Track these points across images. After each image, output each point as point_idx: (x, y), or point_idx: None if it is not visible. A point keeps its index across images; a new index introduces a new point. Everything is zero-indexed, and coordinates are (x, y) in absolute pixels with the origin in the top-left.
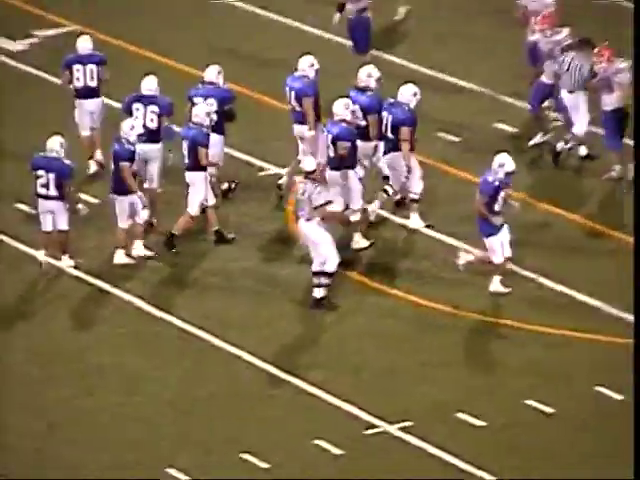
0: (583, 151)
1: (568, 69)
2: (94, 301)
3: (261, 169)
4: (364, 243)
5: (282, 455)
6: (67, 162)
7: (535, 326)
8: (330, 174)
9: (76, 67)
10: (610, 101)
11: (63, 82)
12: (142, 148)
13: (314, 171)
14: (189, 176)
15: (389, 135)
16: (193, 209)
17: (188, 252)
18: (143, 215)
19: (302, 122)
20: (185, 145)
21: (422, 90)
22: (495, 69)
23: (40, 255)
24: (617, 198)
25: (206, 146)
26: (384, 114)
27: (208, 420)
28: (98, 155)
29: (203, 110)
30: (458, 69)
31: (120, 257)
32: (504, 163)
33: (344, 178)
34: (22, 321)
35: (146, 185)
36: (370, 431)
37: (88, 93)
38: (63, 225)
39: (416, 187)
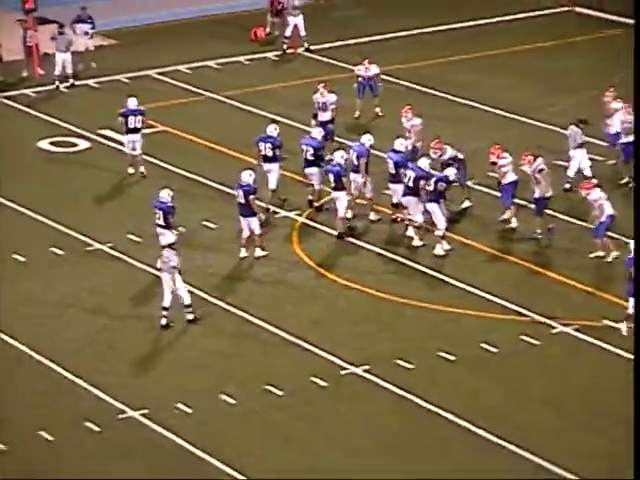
0: (514, 223)
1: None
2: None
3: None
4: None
5: (292, 386)
6: (170, 204)
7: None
8: (429, 205)
9: (130, 117)
10: (539, 190)
11: (119, 124)
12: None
13: (175, 242)
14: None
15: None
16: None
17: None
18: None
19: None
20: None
21: None
22: None
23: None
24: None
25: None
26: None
27: (249, 368)
28: (141, 169)
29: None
30: None
31: (259, 252)
32: None
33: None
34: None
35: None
36: (343, 372)
37: (134, 131)
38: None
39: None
